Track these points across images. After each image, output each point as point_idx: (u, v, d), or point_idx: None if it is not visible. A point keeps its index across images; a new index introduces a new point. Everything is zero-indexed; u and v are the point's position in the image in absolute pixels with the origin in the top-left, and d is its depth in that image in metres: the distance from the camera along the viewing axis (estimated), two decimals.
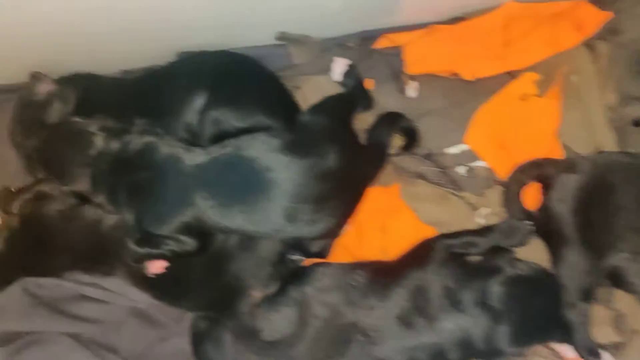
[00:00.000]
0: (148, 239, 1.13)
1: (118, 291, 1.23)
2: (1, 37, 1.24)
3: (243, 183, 1.11)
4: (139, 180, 1.11)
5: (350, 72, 1.32)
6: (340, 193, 1.15)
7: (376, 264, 1.21)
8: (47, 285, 1.22)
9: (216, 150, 1.13)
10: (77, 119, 1.18)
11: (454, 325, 1.10)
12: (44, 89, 1.29)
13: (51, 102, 1.29)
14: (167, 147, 1.13)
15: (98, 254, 1.22)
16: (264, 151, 1.10)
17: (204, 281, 1.19)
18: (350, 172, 1.16)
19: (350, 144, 1.20)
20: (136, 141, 1.13)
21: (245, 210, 1.10)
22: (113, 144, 1.13)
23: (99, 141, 1.13)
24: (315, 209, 1.11)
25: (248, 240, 1.20)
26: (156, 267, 1.15)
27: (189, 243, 1.12)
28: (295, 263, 1.25)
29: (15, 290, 1.23)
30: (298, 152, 1.10)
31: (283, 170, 1.09)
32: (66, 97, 1.28)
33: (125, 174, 1.12)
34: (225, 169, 1.11)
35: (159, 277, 1.17)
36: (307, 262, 1.25)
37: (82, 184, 1.13)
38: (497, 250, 1.18)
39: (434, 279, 1.13)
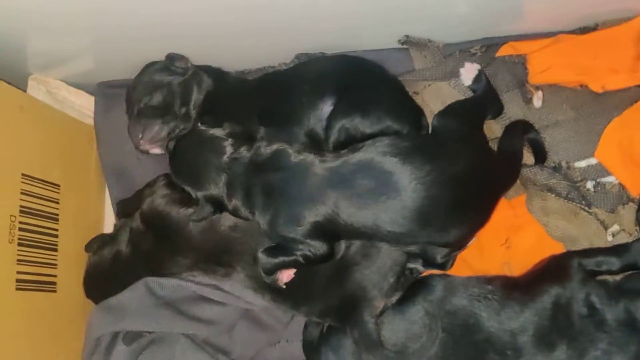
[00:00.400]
0: (279, 247, 1.10)
1: (235, 293, 1.21)
2: (120, 32, 1.24)
3: (375, 184, 1.07)
4: (274, 181, 1.10)
5: (480, 77, 1.27)
6: (473, 200, 1.11)
7: (504, 279, 1.16)
8: (169, 286, 1.22)
9: (346, 154, 1.10)
10: (203, 127, 1.18)
11: (597, 349, 1.04)
12: (180, 64, 1.29)
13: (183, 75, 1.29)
14: (298, 152, 1.11)
15: (218, 255, 1.20)
16: (395, 154, 1.07)
17: (327, 288, 1.15)
18: (483, 179, 1.12)
19: (482, 151, 1.16)
20: (266, 148, 1.13)
21: (378, 211, 1.06)
22: (243, 150, 1.13)
23: (229, 147, 1.13)
24: (448, 214, 1.08)
25: (371, 248, 1.17)
26: (287, 276, 1.12)
27: (320, 247, 1.09)
28: (414, 273, 1.21)
29: (138, 289, 1.22)
30: (428, 155, 1.06)
31: (414, 172, 1.05)
32: (202, 80, 1.28)
33: (260, 176, 1.11)
34: (357, 170, 1.08)
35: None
36: (426, 273, 1.21)
37: (219, 188, 1.12)
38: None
39: (576, 298, 1.07)
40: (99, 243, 1.30)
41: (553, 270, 1.13)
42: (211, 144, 1.15)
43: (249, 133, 1.17)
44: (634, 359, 1.04)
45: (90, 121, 1.42)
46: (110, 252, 1.27)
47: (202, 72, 1.31)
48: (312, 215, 1.08)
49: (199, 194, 1.14)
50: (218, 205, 1.15)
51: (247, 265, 1.19)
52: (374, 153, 1.08)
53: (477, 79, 1.28)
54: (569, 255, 1.16)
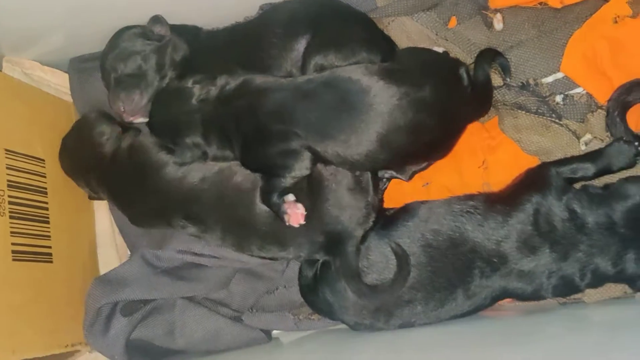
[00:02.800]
0: (268, 184, 1.15)
1: (230, 257, 1.24)
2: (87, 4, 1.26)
3: (339, 104, 1.10)
4: (241, 106, 1.14)
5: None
6: (436, 126, 1.13)
7: (485, 194, 1.19)
8: (165, 258, 1.26)
9: (314, 75, 1.15)
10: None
11: (579, 250, 1.08)
12: (159, 30, 1.32)
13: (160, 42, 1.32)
14: (263, 77, 1.16)
15: (187, 207, 1.22)
16: (361, 74, 1.10)
17: (308, 227, 1.15)
18: (448, 107, 1.14)
19: (449, 80, 1.17)
20: (232, 81, 1.18)
21: (340, 133, 1.09)
22: (211, 90, 1.18)
23: (196, 90, 1.19)
24: (409, 138, 1.10)
25: (337, 179, 1.18)
26: (296, 215, 1.12)
27: (302, 167, 1.13)
28: (386, 182, 1.27)
29: (136, 261, 1.26)
30: (394, 79, 1.09)
31: (378, 94, 1.08)
32: (177, 46, 1.30)
33: (229, 106, 1.16)
34: (322, 88, 1.11)
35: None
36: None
37: (196, 130, 1.17)
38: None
39: (556, 204, 1.10)
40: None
41: (532, 180, 1.17)
42: (179, 93, 1.20)
43: (214, 76, 1.20)
44: (614, 259, 1.08)
45: (67, 98, 1.44)
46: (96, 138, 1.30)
47: (177, 36, 1.33)
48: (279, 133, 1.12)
49: (178, 141, 1.19)
50: (199, 149, 1.19)
51: (221, 219, 1.20)
52: (339, 73, 1.12)
53: None
54: (545, 165, 1.19)
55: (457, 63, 1.23)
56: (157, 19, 1.31)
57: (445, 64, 1.24)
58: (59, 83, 1.43)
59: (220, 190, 1.19)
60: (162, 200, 1.21)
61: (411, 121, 1.09)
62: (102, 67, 1.33)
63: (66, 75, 1.44)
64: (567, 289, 1.12)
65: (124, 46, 1.31)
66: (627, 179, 1.13)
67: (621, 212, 1.08)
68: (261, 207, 1.16)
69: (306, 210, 1.13)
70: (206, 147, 1.18)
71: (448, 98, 1.15)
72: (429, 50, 1.29)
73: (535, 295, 1.12)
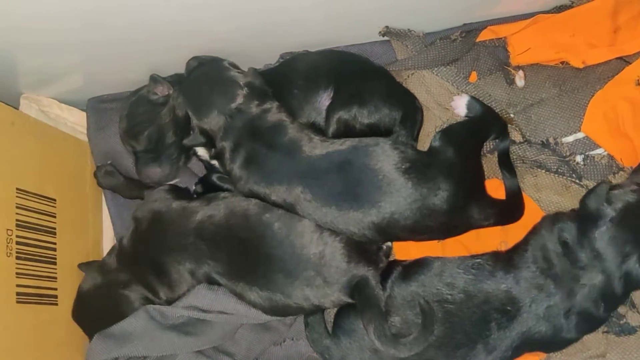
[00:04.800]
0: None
1: (241, 312, 1.20)
2: (108, 48, 1.26)
3: (348, 185, 1.11)
4: (259, 153, 1.16)
5: (472, 104, 1.28)
6: (434, 232, 1.16)
7: (495, 252, 1.17)
8: (171, 316, 1.22)
9: (334, 146, 1.14)
10: (229, 65, 1.26)
11: (581, 284, 1.07)
12: (161, 91, 1.31)
13: (165, 105, 1.31)
14: (295, 132, 1.16)
15: None
16: (380, 162, 1.10)
17: None
18: (455, 217, 1.13)
19: (468, 188, 1.16)
20: (273, 115, 1.18)
21: (338, 214, 1.11)
22: (252, 107, 1.18)
23: (240, 97, 1.19)
24: (404, 236, 1.15)
25: None
26: None
27: None
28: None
29: (140, 316, 1.22)
30: (412, 176, 1.09)
31: (388, 188, 1.09)
32: (179, 104, 1.28)
33: (251, 142, 1.17)
34: (335, 168, 1.12)
35: None
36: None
37: (216, 126, 1.19)
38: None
39: (550, 238, 1.10)
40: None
41: (531, 230, 1.16)
42: (227, 86, 1.20)
43: (266, 90, 1.21)
44: (619, 278, 1.06)
45: (83, 137, 1.43)
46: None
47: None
48: (274, 195, 1.15)
49: (196, 123, 1.21)
50: (210, 140, 1.21)
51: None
52: (359, 153, 1.12)
53: (470, 106, 1.28)
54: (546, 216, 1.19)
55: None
56: (154, 80, 1.31)
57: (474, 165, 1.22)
58: (75, 122, 1.43)
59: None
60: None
61: (414, 223, 1.10)
62: (122, 141, 1.36)
63: (83, 114, 1.44)
64: (590, 324, 1.10)
65: (131, 124, 1.32)
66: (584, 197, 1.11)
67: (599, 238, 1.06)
68: None
69: None
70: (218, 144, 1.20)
71: (464, 205, 1.14)
72: (471, 135, 1.25)
73: (558, 338, 1.10)
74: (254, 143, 1.16)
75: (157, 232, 1.23)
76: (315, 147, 1.14)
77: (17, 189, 1.19)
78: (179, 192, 1.29)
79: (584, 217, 1.08)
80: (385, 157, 1.10)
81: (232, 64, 1.27)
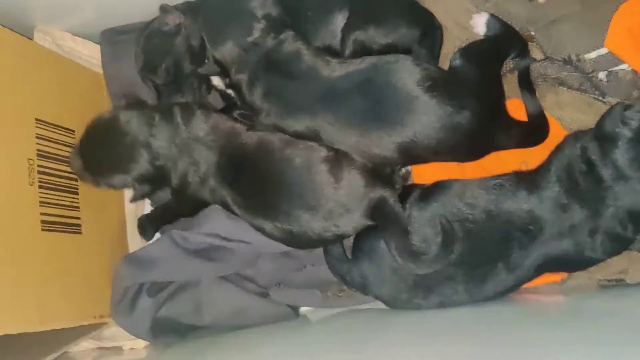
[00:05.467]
0: None
1: (260, 242, 1.22)
2: None
3: (368, 106, 1.09)
4: (278, 85, 1.15)
5: (492, 22, 1.24)
6: (456, 152, 1.14)
7: (516, 171, 1.16)
8: (194, 241, 1.24)
9: (353, 66, 1.12)
10: None
11: (607, 205, 1.05)
12: (172, 20, 1.29)
13: (178, 34, 1.29)
14: (311, 58, 1.14)
15: None
16: (402, 80, 1.08)
17: None
18: (479, 136, 1.12)
19: (491, 107, 1.14)
20: (289, 45, 1.16)
21: (361, 135, 1.10)
22: (269, 39, 1.16)
23: (257, 31, 1.16)
24: (426, 156, 1.13)
25: None
26: None
27: None
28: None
29: (165, 241, 1.24)
30: (435, 94, 1.07)
31: (412, 105, 1.07)
32: (193, 32, 1.27)
33: (268, 74, 1.15)
34: (356, 88, 1.10)
35: None
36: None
37: (230, 57, 1.18)
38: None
39: (573, 154, 1.08)
40: None
41: (554, 149, 1.14)
42: (243, 18, 1.17)
43: (285, 21, 1.18)
44: (630, 204, 1.04)
45: (98, 69, 1.43)
46: None
47: (191, 19, 1.29)
48: (298, 125, 1.14)
49: (211, 52, 1.20)
50: (224, 71, 1.20)
51: None
52: (379, 71, 1.10)
53: (489, 25, 1.24)
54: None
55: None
56: (164, 10, 1.28)
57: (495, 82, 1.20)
58: (90, 54, 1.42)
59: None
60: None
61: (437, 142, 1.09)
62: (141, 78, 1.34)
63: (97, 47, 1.43)
64: (617, 244, 1.08)
65: (147, 58, 1.31)
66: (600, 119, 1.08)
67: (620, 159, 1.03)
68: None
69: None
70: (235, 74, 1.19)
71: (487, 125, 1.12)
72: (492, 55, 1.22)
73: (581, 257, 1.08)
74: (271, 76, 1.15)
75: None
76: (334, 70, 1.13)
77: (36, 119, 1.20)
78: None
79: (603, 138, 1.05)
80: (407, 74, 1.09)
81: None
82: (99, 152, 1.20)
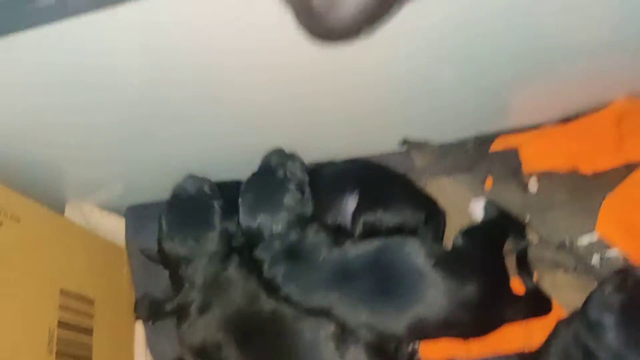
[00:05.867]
0: None
1: None
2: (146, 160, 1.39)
3: (380, 284, 1.18)
4: (296, 269, 1.23)
5: (488, 207, 1.38)
6: (464, 327, 1.21)
7: (522, 354, 1.20)
8: None
9: (363, 246, 1.22)
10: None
11: None
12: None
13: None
14: (330, 248, 1.23)
15: None
16: (409, 258, 1.18)
17: None
18: (484, 311, 1.20)
19: (494, 281, 1.24)
20: (312, 237, 1.25)
21: (371, 313, 1.17)
22: (293, 234, 1.24)
23: (283, 224, 1.25)
24: (434, 331, 1.20)
25: None
26: None
27: None
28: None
29: None
30: (441, 271, 1.16)
31: (419, 282, 1.16)
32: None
33: (288, 260, 1.23)
34: (366, 267, 1.19)
35: None
36: None
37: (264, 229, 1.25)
38: None
39: (568, 341, 1.13)
40: None
41: (550, 333, 1.19)
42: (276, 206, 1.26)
43: (307, 218, 1.27)
44: None
45: (120, 242, 1.52)
46: None
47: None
48: (311, 302, 1.21)
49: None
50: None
51: None
52: (387, 251, 1.19)
53: (487, 210, 1.38)
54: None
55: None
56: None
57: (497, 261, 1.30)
58: (114, 228, 1.52)
59: None
60: None
61: (445, 317, 1.15)
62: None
63: (122, 220, 1.53)
64: None
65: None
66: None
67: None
68: None
69: None
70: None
71: (492, 299, 1.21)
72: (491, 235, 1.34)
73: None
74: (292, 262, 1.23)
75: None
76: (347, 251, 1.22)
77: (60, 290, 1.26)
78: None
79: (592, 326, 1.10)
80: (414, 253, 1.18)
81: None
82: None
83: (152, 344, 1.46)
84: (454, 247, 1.25)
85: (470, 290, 1.15)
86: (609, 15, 1.09)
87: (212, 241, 1.28)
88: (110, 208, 1.54)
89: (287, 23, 0.87)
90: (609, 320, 1.07)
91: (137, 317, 1.44)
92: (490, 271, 1.23)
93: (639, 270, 1.13)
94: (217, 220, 1.29)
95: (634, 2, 1.07)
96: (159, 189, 1.48)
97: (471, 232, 1.28)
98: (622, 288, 1.09)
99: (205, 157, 1.40)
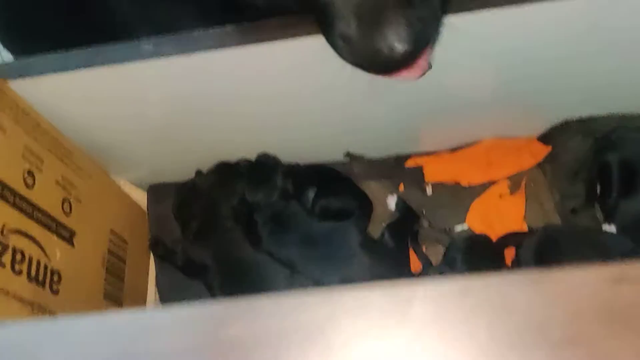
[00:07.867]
0: None
1: None
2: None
3: (324, 248, 1.80)
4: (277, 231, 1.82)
5: (399, 202, 2.00)
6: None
7: None
8: None
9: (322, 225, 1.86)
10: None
11: None
12: None
13: None
14: (304, 217, 1.84)
15: None
16: (353, 243, 1.82)
17: None
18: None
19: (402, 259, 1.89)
20: (291, 209, 1.83)
21: (317, 266, 1.77)
22: (279, 205, 1.84)
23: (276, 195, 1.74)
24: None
25: None
26: None
27: None
28: None
29: None
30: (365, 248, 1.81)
31: (349, 252, 1.80)
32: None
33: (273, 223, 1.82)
34: (319, 236, 1.82)
35: None
36: None
37: (267, 197, 1.75)
38: None
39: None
40: None
41: None
42: (268, 179, 1.80)
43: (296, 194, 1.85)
44: None
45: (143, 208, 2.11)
46: None
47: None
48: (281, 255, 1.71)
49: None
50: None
51: None
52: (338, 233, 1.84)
53: (397, 204, 1.98)
54: None
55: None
56: None
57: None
58: (138, 199, 2.14)
59: None
60: None
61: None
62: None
63: (144, 194, 2.15)
64: None
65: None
66: None
67: None
68: None
69: None
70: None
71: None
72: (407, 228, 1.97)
73: None
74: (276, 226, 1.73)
75: None
76: (311, 225, 1.83)
77: (110, 229, 1.88)
78: None
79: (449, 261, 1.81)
80: (350, 231, 1.83)
81: None
82: None
83: (157, 279, 2.06)
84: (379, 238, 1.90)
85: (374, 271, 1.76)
86: (490, 80, 1.70)
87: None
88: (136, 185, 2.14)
89: None
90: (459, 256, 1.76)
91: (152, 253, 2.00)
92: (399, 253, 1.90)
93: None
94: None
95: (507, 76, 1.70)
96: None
97: (391, 226, 1.95)
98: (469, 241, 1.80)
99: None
